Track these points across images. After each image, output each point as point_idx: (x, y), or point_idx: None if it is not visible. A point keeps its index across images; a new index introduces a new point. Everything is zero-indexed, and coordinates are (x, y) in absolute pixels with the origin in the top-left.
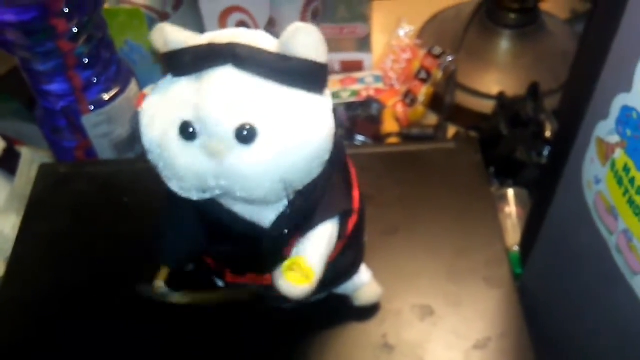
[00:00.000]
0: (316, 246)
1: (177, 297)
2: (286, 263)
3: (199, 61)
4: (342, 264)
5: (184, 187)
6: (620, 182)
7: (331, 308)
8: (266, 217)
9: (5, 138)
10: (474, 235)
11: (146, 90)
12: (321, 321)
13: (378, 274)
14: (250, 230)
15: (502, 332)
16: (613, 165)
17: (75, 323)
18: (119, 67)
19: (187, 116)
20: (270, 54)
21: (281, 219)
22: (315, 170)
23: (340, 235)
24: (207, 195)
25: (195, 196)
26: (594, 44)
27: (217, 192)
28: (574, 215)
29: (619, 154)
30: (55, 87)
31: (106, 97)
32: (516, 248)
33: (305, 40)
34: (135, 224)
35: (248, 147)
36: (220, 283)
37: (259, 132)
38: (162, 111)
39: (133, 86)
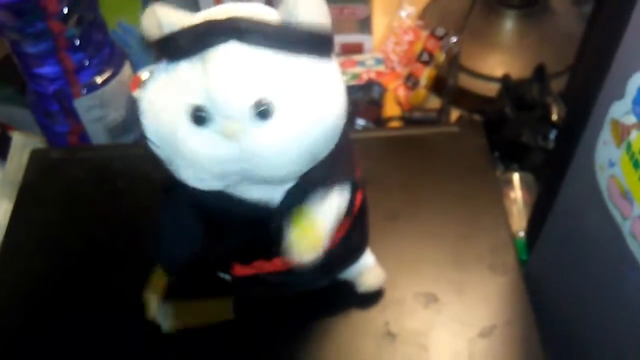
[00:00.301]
0: (324, 213)
1: (170, 324)
2: (294, 232)
3: (199, 41)
4: (349, 245)
5: (202, 177)
6: (636, 164)
7: (333, 296)
8: (276, 194)
9: None
10: (479, 220)
11: (140, 73)
12: (323, 309)
13: (381, 261)
14: (259, 212)
15: (508, 320)
16: (629, 147)
17: (69, 312)
18: (111, 50)
19: (196, 100)
20: (274, 25)
21: (291, 193)
22: (336, 137)
23: (348, 211)
24: (224, 183)
25: (213, 185)
26: (609, 21)
27: (236, 177)
28: (584, 200)
29: (635, 136)
30: (46, 70)
31: (99, 80)
32: (522, 234)
33: (308, 5)
34: (130, 211)
35: (267, 123)
36: (226, 277)
37: (276, 107)
38: (165, 100)
39: (127, 69)
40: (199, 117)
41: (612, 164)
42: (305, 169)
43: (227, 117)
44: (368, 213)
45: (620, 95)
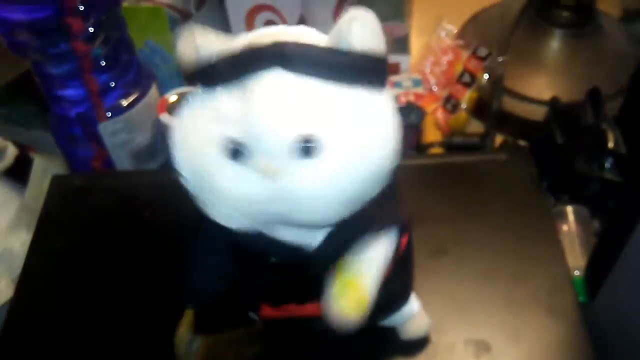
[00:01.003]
0: (369, 265)
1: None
2: (337, 288)
3: (239, 67)
4: (393, 290)
5: (233, 216)
6: None
7: (376, 341)
8: (313, 237)
9: (17, 145)
10: (533, 258)
11: (168, 95)
12: (366, 356)
13: (426, 302)
14: (294, 255)
15: None
16: None
17: (89, 345)
18: (138, 70)
19: (232, 132)
20: (322, 49)
21: (331, 238)
22: (385, 179)
23: (394, 253)
24: (256, 224)
25: (244, 225)
26: None
27: (270, 218)
28: None
29: None
30: (69, 92)
31: (125, 103)
32: (577, 272)
33: (363, 30)
34: (156, 241)
35: (310, 162)
36: (255, 317)
37: (322, 144)
38: (198, 130)
39: (153, 91)
40: (235, 151)
41: None
42: (347, 214)
43: (267, 153)
44: (413, 256)
45: None
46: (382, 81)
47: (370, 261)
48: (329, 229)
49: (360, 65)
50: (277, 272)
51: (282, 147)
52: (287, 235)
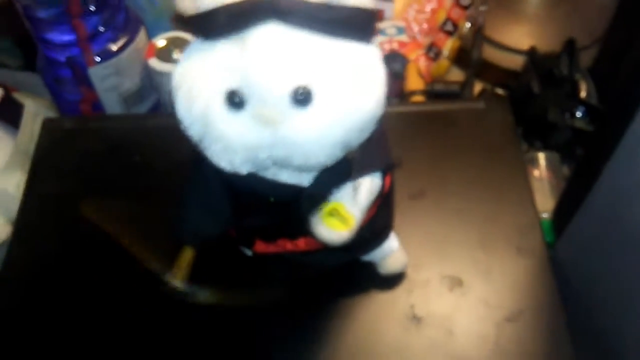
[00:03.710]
0: (357, 196)
1: (203, 297)
2: (325, 209)
3: (237, 20)
4: (377, 225)
5: (234, 162)
6: None
7: (357, 278)
8: (305, 177)
9: (1, 86)
10: (505, 200)
11: (156, 40)
12: (348, 291)
13: (405, 241)
14: (288, 194)
15: (535, 305)
16: None
17: (85, 284)
18: (127, 15)
19: (233, 83)
20: (315, 4)
21: (322, 176)
22: (373, 126)
23: (379, 193)
24: (254, 168)
25: (245, 170)
26: None
27: (269, 162)
28: (628, 191)
29: None
30: (58, 36)
31: (114, 47)
32: (546, 215)
33: None
34: (147, 184)
35: (305, 111)
36: (248, 253)
37: (316, 94)
38: (200, 81)
39: (142, 36)
40: (235, 100)
41: None
42: (337, 158)
43: (264, 102)
44: (394, 196)
45: None
46: (371, 34)
47: (357, 193)
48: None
49: (351, 19)
50: (273, 210)
51: (278, 97)
52: (283, 176)
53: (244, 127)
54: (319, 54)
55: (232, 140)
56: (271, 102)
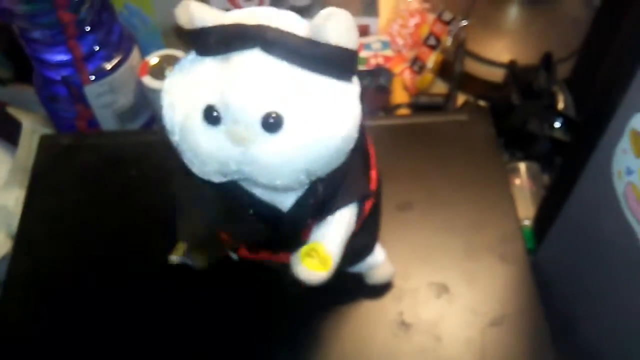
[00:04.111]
0: (334, 232)
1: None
2: (304, 249)
3: (225, 43)
4: (357, 245)
5: (206, 171)
6: None
7: (347, 287)
8: (285, 201)
9: None
10: (488, 210)
11: (149, 58)
12: (338, 300)
13: (393, 251)
14: (269, 212)
15: (518, 309)
16: None
17: (84, 297)
18: (120, 34)
19: (212, 100)
20: (300, 39)
21: (300, 204)
22: (340, 159)
23: (357, 217)
24: (227, 179)
25: (215, 179)
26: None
27: (238, 177)
28: (599, 201)
29: None
30: (54, 56)
31: (108, 66)
32: (527, 222)
33: (338, 26)
34: (144, 197)
35: (273, 136)
36: (234, 257)
37: (286, 122)
38: (185, 93)
39: (135, 54)
40: (212, 116)
41: (630, 172)
42: (305, 183)
43: (237, 122)
44: (380, 215)
45: None
46: (351, 73)
47: (335, 227)
48: (298, 195)
49: (333, 57)
50: (254, 223)
51: (250, 120)
52: (262, 194)
53: (217, 142)
54: (295, 85)
55: (204, 152)
56: (244, 123)
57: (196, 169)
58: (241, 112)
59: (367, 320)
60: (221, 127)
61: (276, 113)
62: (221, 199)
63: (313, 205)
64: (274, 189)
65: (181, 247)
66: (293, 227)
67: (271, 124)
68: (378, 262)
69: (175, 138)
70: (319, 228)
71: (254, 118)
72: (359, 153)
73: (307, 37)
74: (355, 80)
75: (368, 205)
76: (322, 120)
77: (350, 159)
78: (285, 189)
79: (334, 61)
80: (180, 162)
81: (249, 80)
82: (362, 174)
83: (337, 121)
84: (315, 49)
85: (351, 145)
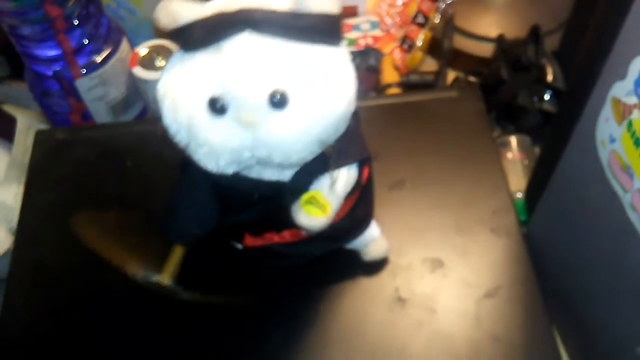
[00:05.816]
0: (333, 185)
1: (187, 296)
2: (304, 197)
3: (213, 32)
4: (356, 216)
5: (220, 164)
6: (637, 142)
7: (344, 264)
8: (287, 173)
9: None
10: (479, 185)
11: (138, 49)
12: (335, 277)
13: (387, 229)
14: (271, 190)
15: (511, 281)
16: (630, 126)
17: (87, 290)
18: (109, 26)
19: (214, 91)
20: (284, 13)
21: (302, 171)
22: (346, 123)
23: (356, 184)
24: (238, 168)
25: (231, 170)
26: (612, 5)
27: (250, 162)
28: (585, 170)
29: (636, 116)
30: (45, 51)
31: (98, 59)
32: (519, 195)
33: None
34: (141, 188)
35: (281, 112)
36: (238, 246)
37: (291, 96)
38: (183, 91)
39: (125, 45)
40: (217, 107)
41: (613, 140)
42: (315, 154)
43: (244, 107)
44: (374, 186)
45: (622, 75)
46: (338, 38)
47: (334, 184)
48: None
49: (319, 25)
50: (258, 206)
51: (256, 102)
52: (267, 174)
53: (227, 131)
54: (291, 59)
55: (216, 144)
56: (250, 107)
57: (210, 163)
58: (245, 96)
59: (364, 296)
60: (228, 116)
61: (280, 89)
62: (218, 194)
63: (314, 170)
64: (289, 166)
65: (177, 254)
66: (295, 196)
67: (277, 101)
68: (374, 237)
69: (182, 138)
70: (319, 180)
71: (260, 99)
72: (354, 120)
73: (290, 11)
74: (343, 42)
75: (366, 172)
76: (325, 88)
77: (347, 127)
78: (299, 163)
79: (321, 28)
80: (180, 159)
81: (246, 64)
82: (360, 138)
83: (339, 85)
84: (301, 20)
85: (354, 106)
